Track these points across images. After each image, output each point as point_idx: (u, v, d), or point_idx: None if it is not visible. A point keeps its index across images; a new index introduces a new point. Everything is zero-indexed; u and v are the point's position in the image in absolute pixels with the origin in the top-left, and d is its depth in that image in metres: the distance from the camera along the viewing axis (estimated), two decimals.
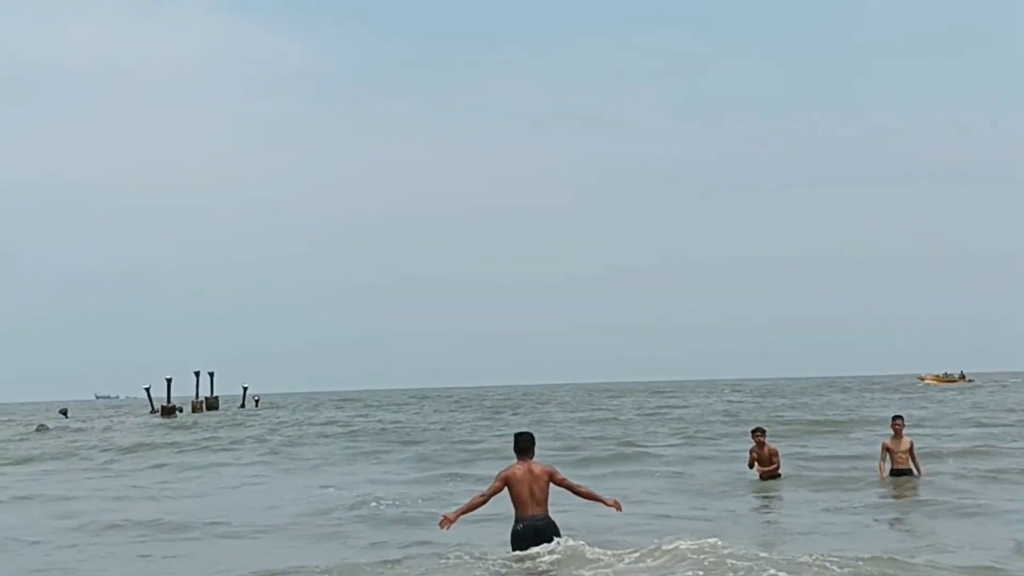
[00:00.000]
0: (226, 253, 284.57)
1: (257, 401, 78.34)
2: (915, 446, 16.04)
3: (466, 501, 9.98)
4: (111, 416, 71.18)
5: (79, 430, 47.92)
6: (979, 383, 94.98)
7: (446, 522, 9.48)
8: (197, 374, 73.82)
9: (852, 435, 27.40)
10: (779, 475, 16.42)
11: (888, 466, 15.66)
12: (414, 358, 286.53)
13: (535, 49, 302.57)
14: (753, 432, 16.81)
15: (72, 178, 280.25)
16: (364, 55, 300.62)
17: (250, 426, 45.53)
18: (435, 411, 57.48)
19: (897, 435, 15.47)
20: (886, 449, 15.74)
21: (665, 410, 47.73)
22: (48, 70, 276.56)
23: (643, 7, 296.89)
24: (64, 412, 69.13)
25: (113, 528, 13.56)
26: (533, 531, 9.47)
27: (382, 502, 15.14)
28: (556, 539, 9.46)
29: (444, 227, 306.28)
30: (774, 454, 16.45)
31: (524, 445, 9.72)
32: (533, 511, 9.46)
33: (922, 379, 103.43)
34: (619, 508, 9.75)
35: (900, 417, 15.82)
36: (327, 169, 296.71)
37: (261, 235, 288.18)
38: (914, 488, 15.04)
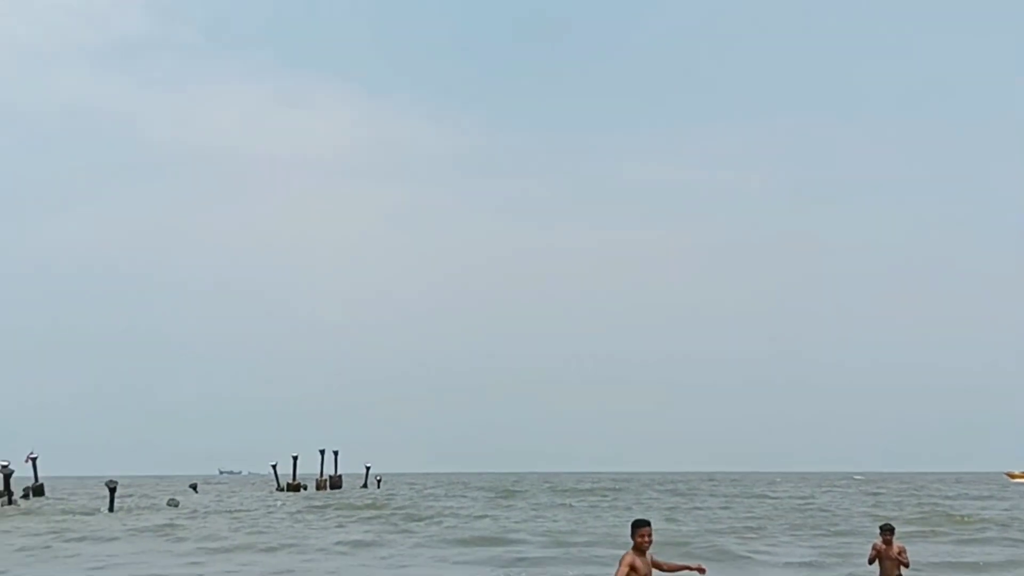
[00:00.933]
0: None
1: (379, 481, 78.84)
2: None
3: None
4: (236, 491, 72.50)
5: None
6: None
7: None
8: (322, 452, 74.97)
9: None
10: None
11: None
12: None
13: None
14: (882, 529, 16.29)
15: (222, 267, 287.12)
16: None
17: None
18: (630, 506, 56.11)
19: (887, 544, 15.83)
20: (876, 551, 16.06)
21: None
22: (193, 152, 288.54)
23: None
24: (194, 487, 70.78)
25: None
26: None
27: None
28: None
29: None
30: (902, 551, 15.90)
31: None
32: None
33: (1012, 476, 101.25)
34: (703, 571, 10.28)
35: (891, 530, 16.02)
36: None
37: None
38: None
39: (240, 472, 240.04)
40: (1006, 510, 43.40)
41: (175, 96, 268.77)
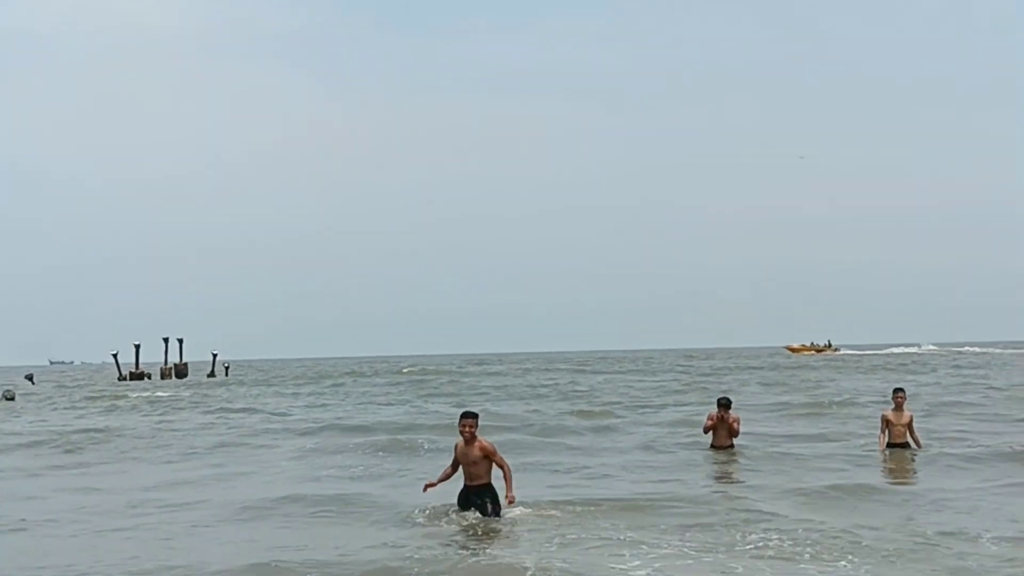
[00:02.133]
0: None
1: (227, 368, 77.37)
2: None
3: None
4: (82, 383, 69.89)
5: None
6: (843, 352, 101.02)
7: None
8: (166, 340, 72.93)
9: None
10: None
11: (886, 439, 15.46)
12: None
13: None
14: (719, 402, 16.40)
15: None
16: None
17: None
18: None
19: (898, 408, 15.31)
20: (886, 421, 15.47)
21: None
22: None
23: None
24: (30, 378, 67.73)
25: None
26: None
27: None
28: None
29: None
30: (736, 421, 16.17)
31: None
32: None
33: (792, 350, 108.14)
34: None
35: (902, 390, 15.59)
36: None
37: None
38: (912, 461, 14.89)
39: (72, 362, 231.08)
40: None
41: None
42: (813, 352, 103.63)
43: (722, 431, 16.12)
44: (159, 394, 45.09)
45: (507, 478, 10.64)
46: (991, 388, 34.51)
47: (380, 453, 17.91)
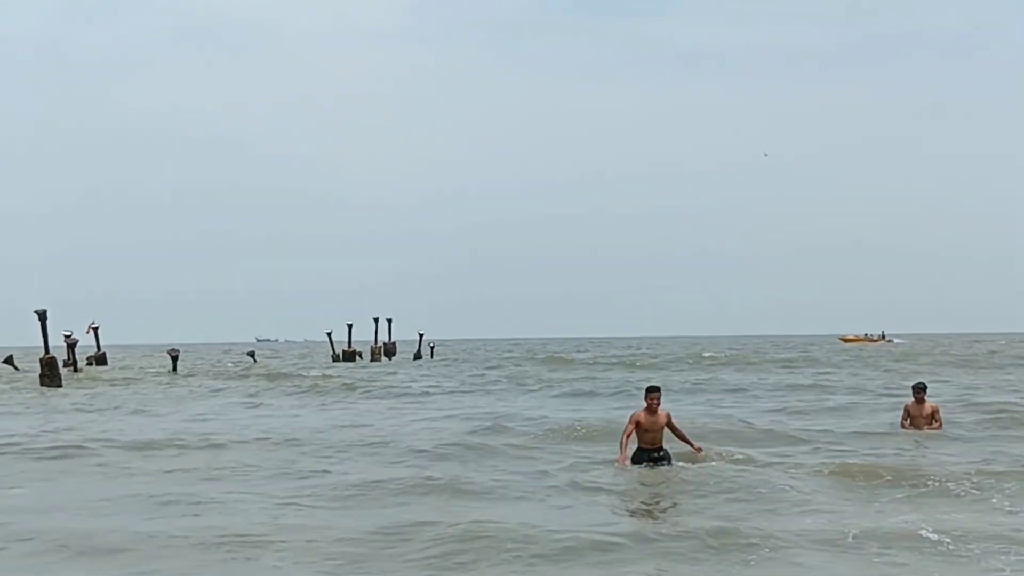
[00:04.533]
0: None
1: (432, 349, 78.40)
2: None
3: None
4: (298, 362, 72.54)
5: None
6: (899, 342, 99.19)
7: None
8: (376, 320, 74.46)
9: None
10: None
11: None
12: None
13: None
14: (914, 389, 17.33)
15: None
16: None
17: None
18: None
19: (919, 402, 16.72)
20: (907, 412, 17.02)
21: None
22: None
23: None
24: (252, 355, 70.70)
25: None
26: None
27: None
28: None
29: None
30: (935, 412, 17.13)
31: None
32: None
33: (845, 340, 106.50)
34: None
35: (923, 388, 16.87)
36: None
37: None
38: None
39: (277, 340, 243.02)
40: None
41: None
42: (867, 343, 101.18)
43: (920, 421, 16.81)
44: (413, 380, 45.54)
45: (686, 438, 13.46)
46: None
47: None
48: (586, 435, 17.65)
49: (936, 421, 16.76)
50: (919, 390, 16.82)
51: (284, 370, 51.60)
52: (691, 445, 13.51)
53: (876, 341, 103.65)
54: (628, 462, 13.02)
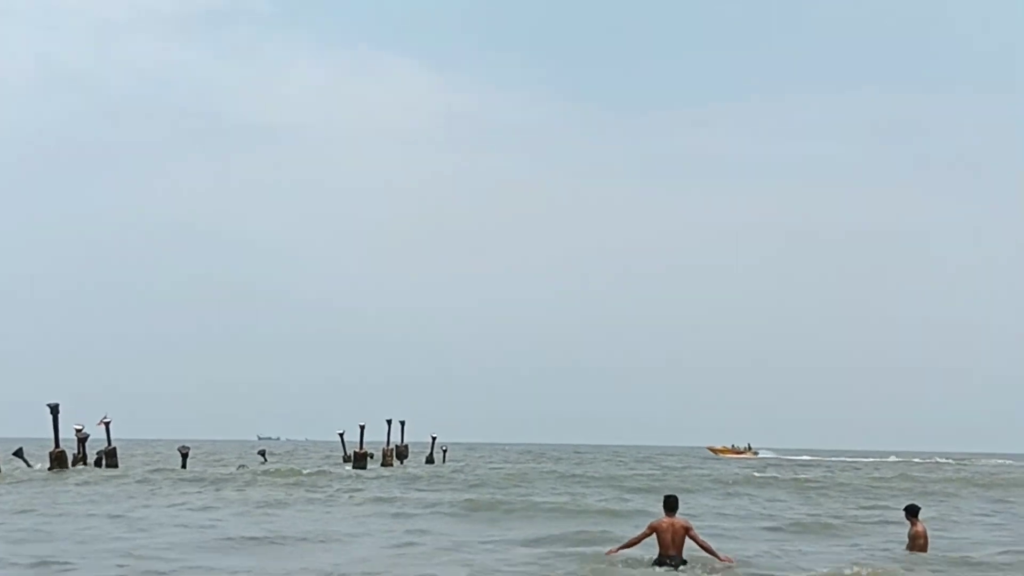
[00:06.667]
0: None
1: (445, 453, 77.11)
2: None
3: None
4: (315, 462, 71.13)
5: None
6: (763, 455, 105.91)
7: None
8: (389, 422, 73.24)
9: None
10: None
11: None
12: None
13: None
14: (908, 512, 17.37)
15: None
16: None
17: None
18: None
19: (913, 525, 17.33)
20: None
21: None
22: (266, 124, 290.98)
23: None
24: (263, 453, 69.37)
25: None
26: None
27: None
28: None
29: None
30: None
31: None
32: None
33: (713, 451, 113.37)
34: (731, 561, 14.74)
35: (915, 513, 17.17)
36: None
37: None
38: None
39: (278, 438, 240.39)
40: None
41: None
42: (734, 455, 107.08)
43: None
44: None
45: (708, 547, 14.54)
46: None
47: None
48: None
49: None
50: (912, 514, 17.20)
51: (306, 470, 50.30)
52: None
53: (743, 453, 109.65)
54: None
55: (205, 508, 27.39)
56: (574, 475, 51.72)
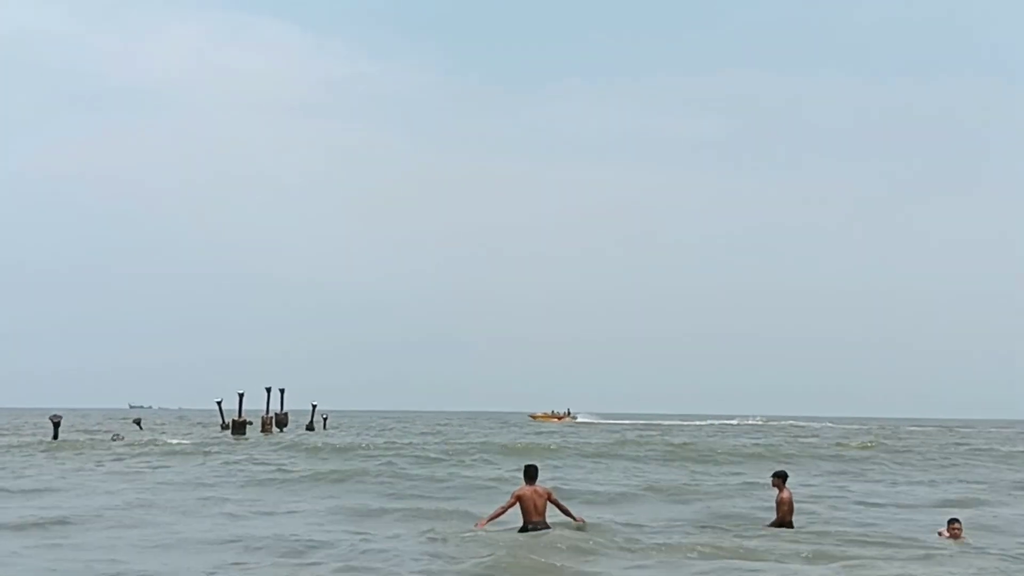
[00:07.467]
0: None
1: (325, 420, 77.19)
2: None
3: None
4: (192, 430, 70.21)
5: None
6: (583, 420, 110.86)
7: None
8: (268, 390, 72.84)
9: None
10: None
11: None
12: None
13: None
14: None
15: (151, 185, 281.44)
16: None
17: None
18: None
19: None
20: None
21: None
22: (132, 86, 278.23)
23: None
24: (138, 422, 68.18)
25: None
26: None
27: None
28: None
29: None
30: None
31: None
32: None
33: (534, 417, 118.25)
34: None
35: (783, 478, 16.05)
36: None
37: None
38: None
39: (150, 407, 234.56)
40: None
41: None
42: (555, 420, 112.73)
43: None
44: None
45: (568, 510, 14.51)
46: None
47: None
48: None
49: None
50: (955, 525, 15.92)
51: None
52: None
53: (562, 418, 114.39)
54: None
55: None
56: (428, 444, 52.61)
